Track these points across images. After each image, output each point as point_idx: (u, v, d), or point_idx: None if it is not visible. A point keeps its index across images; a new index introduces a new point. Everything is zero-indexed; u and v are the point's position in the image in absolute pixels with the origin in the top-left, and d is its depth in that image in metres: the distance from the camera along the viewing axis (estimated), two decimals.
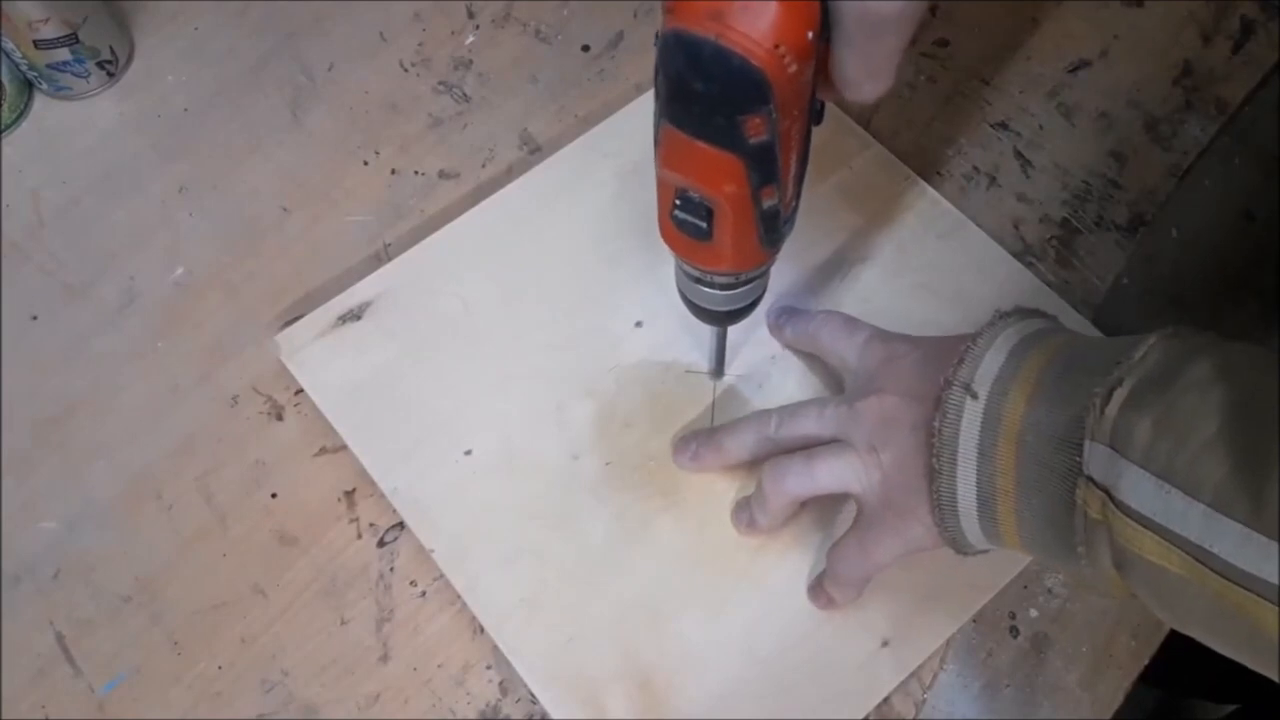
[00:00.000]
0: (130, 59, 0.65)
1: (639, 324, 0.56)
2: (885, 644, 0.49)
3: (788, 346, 0.55)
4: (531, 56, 0.65)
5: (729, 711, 0.48)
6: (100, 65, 0.63)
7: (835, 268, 0.57)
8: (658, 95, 0.37)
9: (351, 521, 0.53)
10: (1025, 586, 0.51)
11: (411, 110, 0.64)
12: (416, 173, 0.62)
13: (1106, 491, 0.37)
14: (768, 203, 0.39)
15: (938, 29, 0.66)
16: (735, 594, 0.50)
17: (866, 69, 0.37)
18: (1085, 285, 0.58)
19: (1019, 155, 0.62)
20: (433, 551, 0.51)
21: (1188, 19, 0.66)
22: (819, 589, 0.49)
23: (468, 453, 0.53)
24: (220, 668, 0.50)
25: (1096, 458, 0.37)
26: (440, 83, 0.65)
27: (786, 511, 0.49)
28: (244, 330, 0.57)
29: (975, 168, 0.62)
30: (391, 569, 0.52)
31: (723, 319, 0.48)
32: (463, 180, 0.61)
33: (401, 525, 0.52)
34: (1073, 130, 0.63)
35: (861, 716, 0.48)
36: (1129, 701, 0.50)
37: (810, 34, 0.35)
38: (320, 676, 0.50)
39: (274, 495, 0.53)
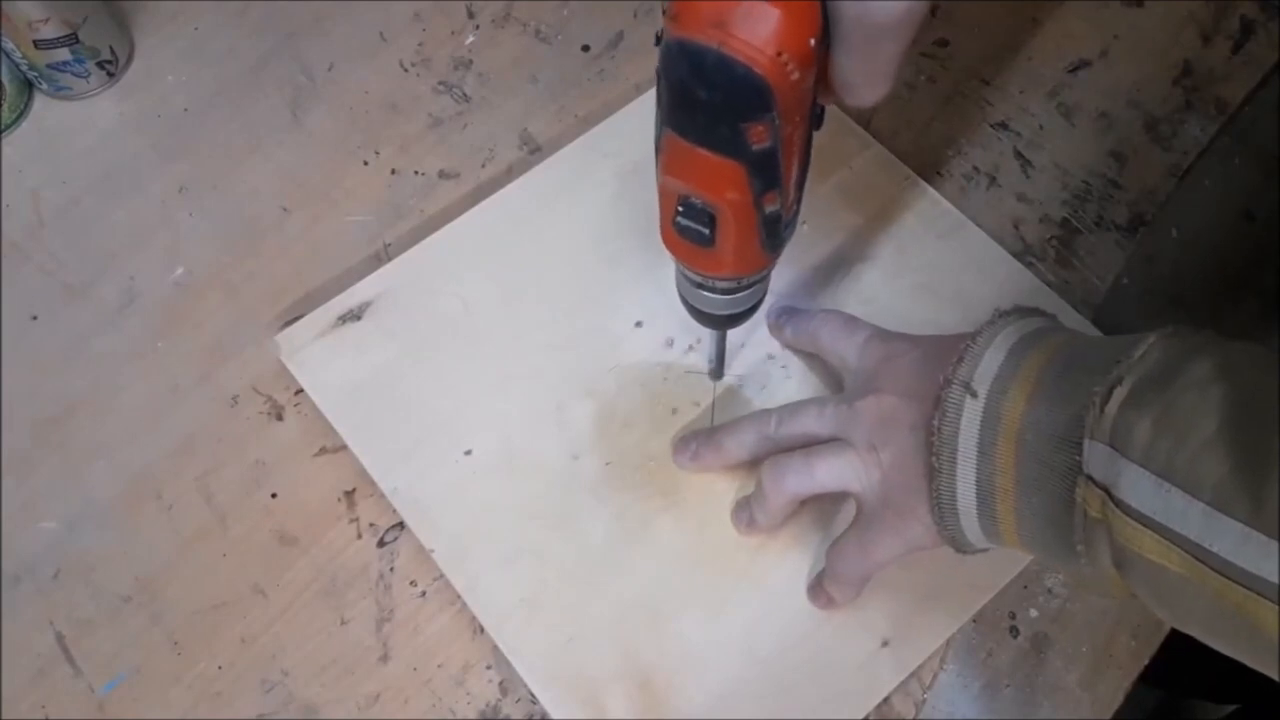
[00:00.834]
0: (130, 59, 0.65)
1: (639, 324, 0.56)
2: (885, 644, 0.49)
3: (788, 346, 0.55)
4: (531, 56, 0.65)
5: (729, 711, 0.48)
6: (100, 65, 0.63)
7: (835, 268, 0.57)
8: (660, 103, 0.37)
9: (351, 521, 0.53)
10: (1025, 586, 0.51)
11: (411, 110, 0.64)
12: (416, 173, 0.62)
13: (1106, 490, 0.37)
14: (770, 208, 0.39)
15: (938, 29, 0.66)
16: (735, 594, 0.50)
17: (866, 74, 0.38)
18: (1085, 285, 0.58)
19: (1019, 155, 0.62)
20: (433, 551, 0.51)
21: (1188, 19, 0.66)
22: (818, 588, 0.49)
23: (468, 453, 0.53)
24: (220, 668, 0.50)
25: (1096, 456, 0.37)
26: (440, 83, 0.65)
27: (786, 510, 0.49)
28: (244, 330, 0.57)
29: (975, 168, 0.62)
30: (391, 569, 0.52)
31: (723, 323, 0.48)
32: (463, 180, 0.61)
33: (401, 525, 0.52)
34: (1073, 130, 0.63)
35: (861, 716, 0.48)
36: (1129, 701, 0.50)
37: (812, 41, 0.35)
38: (320, 676, 0.50)
39: (274, 495, 0.53)
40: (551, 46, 0.66)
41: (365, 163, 0.62)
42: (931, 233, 0.58)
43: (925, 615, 0.50)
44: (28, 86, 0.63)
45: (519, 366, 0.55)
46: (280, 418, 0.55)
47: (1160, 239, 0.60)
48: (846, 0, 0.35)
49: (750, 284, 0.45)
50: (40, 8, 0.58)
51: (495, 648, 0.49)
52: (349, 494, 0.53)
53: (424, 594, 0.51)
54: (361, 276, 0.57)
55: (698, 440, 0.52)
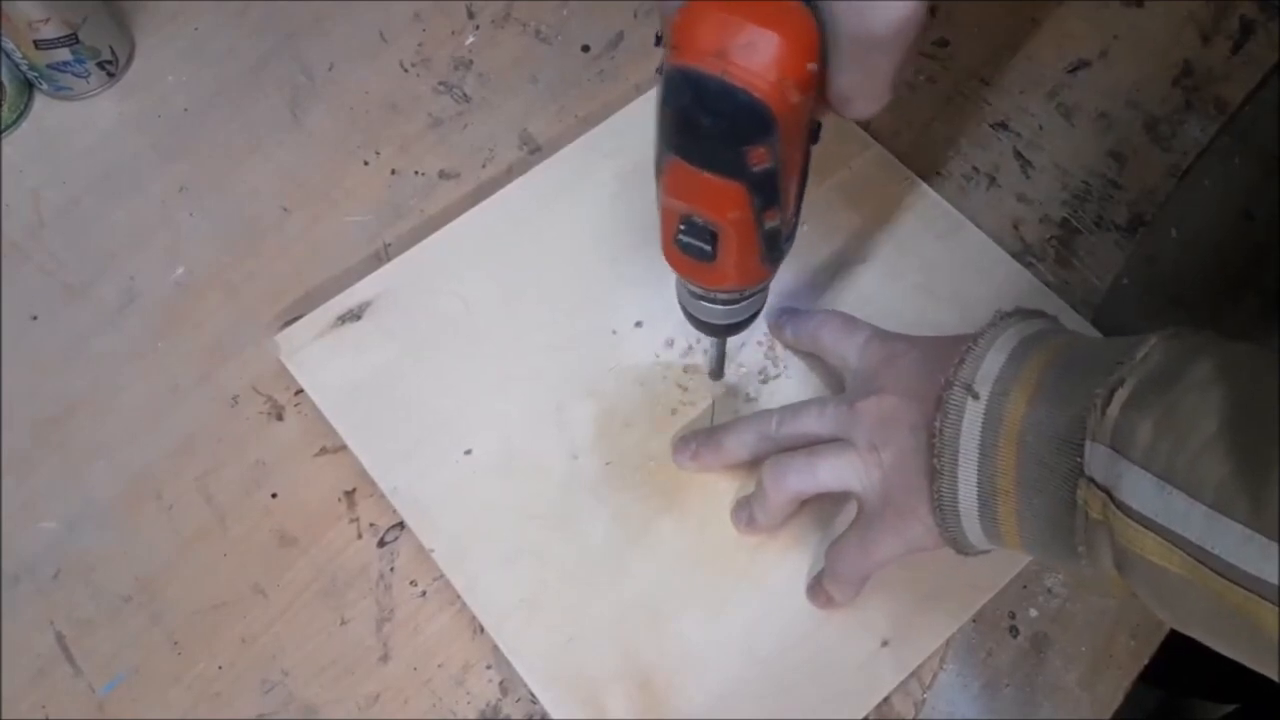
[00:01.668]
0: (130, 59, 0.65)
1: (639, 324, 0.56)
2: (885, 644, 0.49)
3: (788, 347, 0.55)
4: (531, 56, 0.65)
5: (729, 711, 0.48)
6: (100, 65, 0.63)
7: (835, 268, 0.57)
8: (661, 127, 0.38)
9: (351, 521, 0.53)
10: (1025, 586, 0.51)
11: (411, 110, 0.64)
12: (416, 173, 0.62)
13: (1107, 492, 0.37)
14: (770, 224, 0.40)
15: (938, 29, 0.66)
16: (735, 594, 0.50)
17: (863, 88, 0.38)
18: (1085, 285, 0.58)
19: (1019, 155, 0.62)
20: (433, 551, 0.51)
21: (1188, 19, 0.66)
22: (818, 588, 0.49)
23: (468, 452, 0.53)
24: (220, 668, 0.50)
25: (1097, 458, 0.37)
26: (440, 83, 0.65)
27: (786, 510, 0.49)
28: (244, 330, 0.57)
29: (975, 168, 0.62)
30: (391, 569, 0.52)
31: (724, 331, 0.49)
32: (463, 180, 0.61)
33: (401, 525, 0.52)
34: (1073, 130, 0.63)
35: (861, 716, 0.48)
36: (1129, 701, 0.50)
37: (811, 66, 0.35)
38: (320, 676, 0.50)
39: (274, 495, 0.53)
40: (551, 46, 0.66)
41: (365, 163, 0.62)
42: (931, 233, 0.58)
43: (925, 615, 0.50)
44: (28, 86, 0.63)
45: (519, 366, 0.55)
46: (280, 418, 0.55)
47: (1160, 239, 0.60)
48: (842, 10, 0.35)
49: (750, 295, 0.46)
50: (40, 8, 0.58)
51: (495, 648, 0.49)
52: (349, 494, 0.53)
53: (424, 594, 0.51)
54: (361, 276, 0.57)
55: (698, 440, 0.52)
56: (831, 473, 0.47)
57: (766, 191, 0.38)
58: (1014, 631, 0.51)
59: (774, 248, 0.41)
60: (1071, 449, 0.38)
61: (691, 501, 0.52)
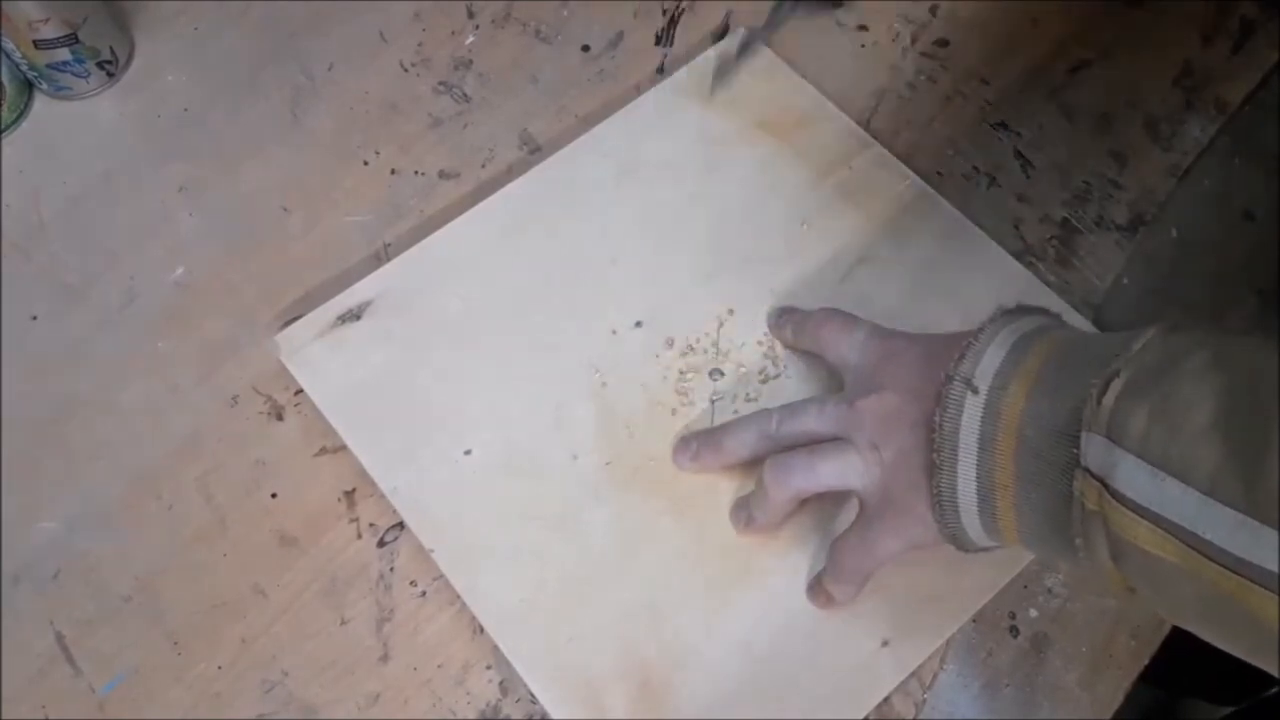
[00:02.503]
0: (130, 59, 0.65)
1: (639, 324, 0.56)
2: (885, 644, 0.49)
3: (789, 346, 0.55)
4: (531, 56, 0.65)
5: (729, 711, 0.48)
6: (100, 65, 0.63)
7: (835, 268, 0.57)
8: None
9: (351, 521, 0.53)
10: (1025, 586, 0.51)
11: (411, 110, 0.64)
12: (416, 173, 0.62)
13: (1102, 482, 0.37)
14: None
15: (938, 29, 0.66)
16: (735, 594, 0.50)
17: None
18: (1085, 285, 0.58)
19: (1019, 155, 0.62)
20: (433, 552, 0.51)
21: (1188, 19, 0.66)
22: (818, 587, 0.49)
23: (468, 453, 0.53)
24: (220, 668, 0.50)
25: (1093, 448, 0.37)
26: (440, 83, 0.65)
27: (786, 509, 0.49)
28: (244, 330, 0.57)
29: (975, 168, 0.62)
30: (391, 569, 0.52)
31: None
32: (463, 180, 0.62)
33: (401, 525, 0.52)
34: (1073, 130, 0.63)
35: (861, 716, 0.48)
36: (1129, 701, 0.50)
37: None
38: (320, 676, 0.50)
39: (274, 495, 0.53)
40: (551, 46, 0.66)
41: (365, 163, 0.62)
42: (931, 232, 0.58)
43: (925, 615, 0.50)
44: (28, 86, 0.63)
45: (519, 367, 0.55)
46: (280, 418, 0.55)
47: (1160, 239, 0.60)
48: None
49: None
50: (40, 8, 0.58)
51: (495, 648, 0.49)
52: (349, 494, 0.53)
53: (424, 594, 0.51)
54: (361, 276, 0.57)
55: (698, 440, 0.52)
56: (832, 471, 0.47)
57: None
58: (1014, 631, 0.51)
59: None
60: (1069, 441, 0.39)
61: (691, 501, 0.52)
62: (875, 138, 0.61)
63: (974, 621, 0.50)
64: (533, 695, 0.49)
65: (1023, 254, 0.59)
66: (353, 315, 0.56)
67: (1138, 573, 0.37)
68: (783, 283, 0.57)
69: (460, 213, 0.59)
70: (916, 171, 0.60)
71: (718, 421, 0.53)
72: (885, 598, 0.50)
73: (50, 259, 0.59)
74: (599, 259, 0.57)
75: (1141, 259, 0.59)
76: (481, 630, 0.50)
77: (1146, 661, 0.50)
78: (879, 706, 0.49)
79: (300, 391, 0.55)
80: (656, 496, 0.52)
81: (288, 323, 0.56)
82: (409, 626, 0.51)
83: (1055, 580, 0.52)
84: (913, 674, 0.49)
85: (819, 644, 0.49)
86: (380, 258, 0.59)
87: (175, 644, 0.50)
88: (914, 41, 0.65)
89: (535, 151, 0.62)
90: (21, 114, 0.63)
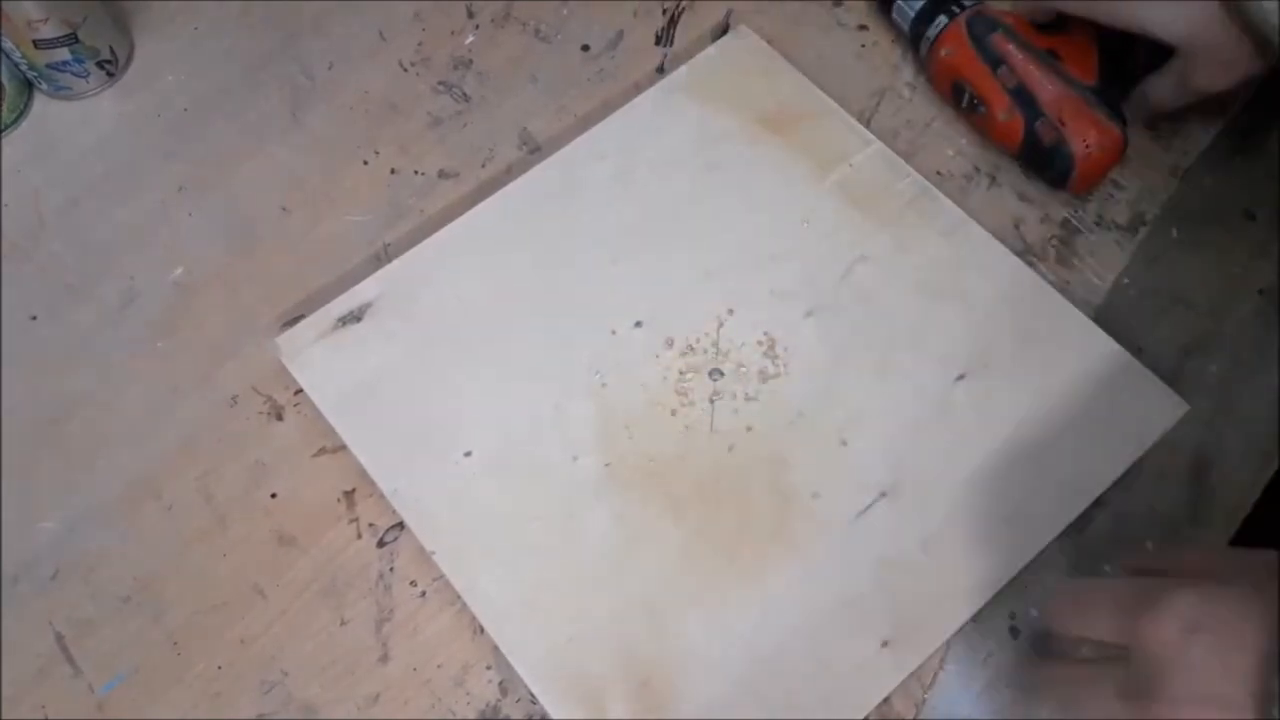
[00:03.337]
0: (130, 59, 0.65)
1: (639, 324, 0.56)
2: (885, 644, 0.49)
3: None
4: (531, 56, 0.65)
5: (729, 711, 0.48)
6: (100, 65, 0.63)
7: (836, 266, 0.57)
8: None
9: (351, 521, 0.53)
10: (1025, 587, 0.51)
11: (411, 110, 0.64)
12: (416, 173, 0.62)
13: None
14: None
15: None
16: (735, 594, 0.50)
17: None
18: (1086, 285, 0.58)
19: None
20: (433, 554, 0.51)
21: None
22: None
23: (468, 454, 0.53)
24: (220, 668, 0.50)
25: None
26: (440, 82, 0.65)
27: None
28: (244, 330, 0.57)
29: (976, 167, 0.62)
30: (391, 569, 0.52)
31: None
32: (463, 180, 0.61)
33: (401, 525, 0.52)
34: None
35: (861, 717, 0.48)
36: None
37: None
38: (320, 676, 0.50)
39: (274, 495, 0.53)
40: (551, 46, 0.66)
41: (365, 163, 0.62)
42: (932, 231, 0.58)
43: (925, 615, 0.50)
44: (28, 86, 0.63)
45: (519, 367, 0.55)
46: (280, 418, 0.55)
47: (1160, 239, 0.60)
48: None
49: None
50: (40, 8, 0.58)
51: (495, 648, 0.49)
52: (349, 494, 0.53)
53: (424, 594, 0.51)
54: (361, 277, 0.57)
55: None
56: None
57: None
58: (1014, 632, 0.51)
59: None
60: None
61: (691, 502, 0.52)
62: (876, 136, 0.61)
63: (974, 621, 0.50)
64: (533, 695, 0.49)
65: (1023, 254, 0.58)
66: (353, 317, 0.56)
67: None
68: (783, 282, 0.57)
69: (460, 213, 0.59)
70: (918, 169, 0.60)
71: (717, 421, 0.53)
72: (885, 598, 0.49)
73: (50, 259, 0.59)
74: (599, 259, 0.57)
75: (1142, 259, 0.59)
76: (481, 630, 0.50)
77: None
78: (879, 706, 0.48)
79: (300, 391, 0.55)
80: (656, 497, 0.52)
81: (288, 323, 0.56)
82: (409, 627, 0.51)
83: (1055, 580, 0.51)
84: (913, 674, 0.49)
85: (819, 644, 0.49)
86: (380, 258, 0.59)
87: (175, 644, 0.50)
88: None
89: (535, 151, 0.62)
90: (21, 114, 0.63)
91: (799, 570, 0.50)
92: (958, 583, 0.50)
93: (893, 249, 0.58)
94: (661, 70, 0.64)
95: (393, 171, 0.62)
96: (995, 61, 0.59)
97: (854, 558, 0.51)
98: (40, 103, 0.64)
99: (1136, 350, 0.55)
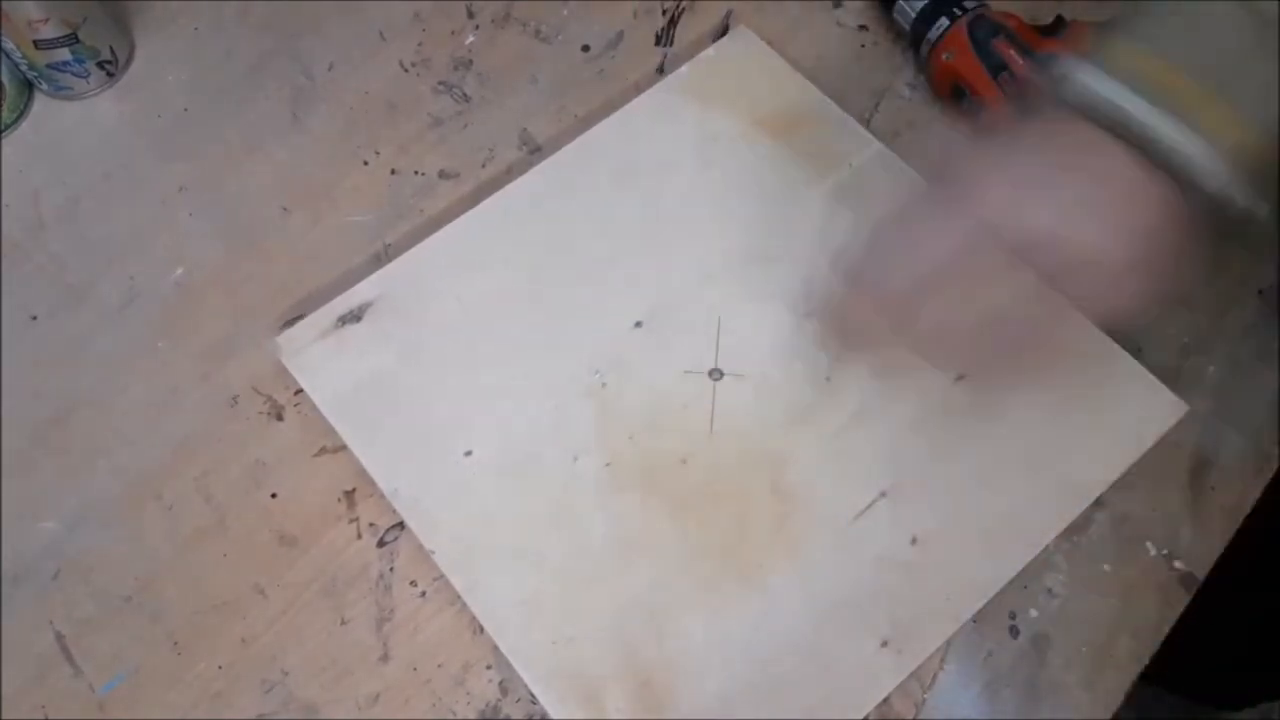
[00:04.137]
0: (130, 59, 0.65)
1: (639, 324, 0.56)
2: (885, 644, 0.49)
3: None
4: (531, 56, 0.65)
5: (729, 711, 0.48)
6: (100, 65, 0.63)
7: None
8: None
9: (351, 521, 0.53)
10: (1025, 586, 0.51)
11: (411, 110, 0.64)
12: (416, 173, 0.62)
13: None
14: None
15: None
16: (735, 594, 0.50)
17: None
18: None
19: None
20: (433, 553, 0.51)
21: None
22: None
23: (468, 453, 0.53)
24: (220, 668, 0.50)
25: None
26: (440, 83, 0.65)
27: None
28: (244, 330, 0.57)
29: None
30: (391, 569, 0.52)
31: None
32: (462, 180, 0.61)
33: (401, 525, 0.52)
34: None
35: (861, 717, 0.48)
36: (1129, 701, 0.50)
37: None
38: (320, 676, 0.50)
39: (274, 495, 0.53)
40: (551, 46, 0.66)
41: (365, 163, 0.62)
42: None
43: (925, 615, 0.50)
44: (28, 86, 0.63)
45: (519, 367, 0.55)
46: (280, 418, 0.55)
47: None
48: None
49: None
50: (40, 8, 0.58)
51: (495, 648, 0.49)
52: (349, 494, 0.53)
53: (424, 594, 0.51)
54: (362, 276, 0.57)
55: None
56: None
57: None
58: (1014, 632, 0.51)
59: None
60: None
61: (691, 502, 0.52)
62: (876, 137, 0.61)
63: (974, 621, 0.50)
64: (533, 695, 0.49)
65: None
66: (353, 316, 0.56)
67: None
68: (781, 281, 0.57)
69: (460, 213, 0.59)
70: (916, 172, 0.60)
71: (718, 423, 0.53)
72: (885, 598, 0.50)
73: (50, 259, 0.59)
74: (599, 259, 0.57)
75: None
76: (481, 630, 0.50)
77: (1146, 661, 0.50)
78: (879, 706, 0.49)
79: (300, 391, 0.55)
80: (656, 497, 0.52)
81: (288, 323, 0.56)
82: (409, 626, 0.51)
83: (1055, 580, 0.52)
84: (913, 674, 0.49)
85: (818, 645, 0.49)
86: (381, 258, 0.59)
87: (175, 644, 0.50)
88: None
89: (535, 151, 0.62)
90: (21, 114, 0.63)
91: (798, 570, 0.50)
92: (958, 583, 0.50)
93: None
94: (661, 71, 0.64)
95: (393, 172, 0.62)
96: (997, 67, 0.59)
97: (853, 558, 0.50)
98: (40, 103, 0.64)
99: (1136, 350, 0.55)
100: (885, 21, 0.65)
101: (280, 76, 0.65)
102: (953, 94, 0.61)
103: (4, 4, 0.57)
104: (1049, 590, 0.51)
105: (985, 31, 0.59)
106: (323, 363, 0.55)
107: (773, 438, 0.53)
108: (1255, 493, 0.54)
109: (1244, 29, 0.40)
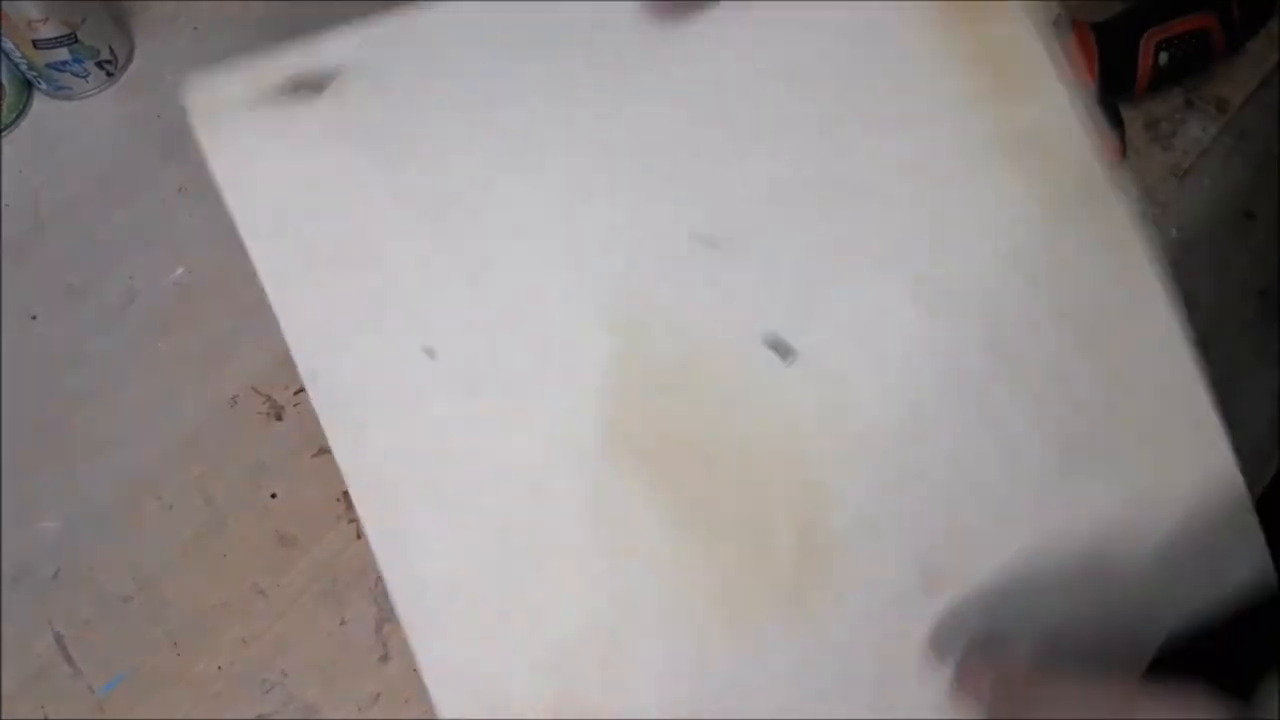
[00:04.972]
0: (130, 59, 0.65)
1: (707, 241, 0.38)
2: None
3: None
4: None
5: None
6: (100, 65, 0.63)
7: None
8: None
9: (351, 522, 0.53)
10: None
11: None
12: None
13: None
14: None
15: None
16: (719, 643, 0.42)
17: None
18: None
19: None
20: (349, 476, 0.38)
21: None
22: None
23: (429, 351, 0.37)
24: (220, 668, 0.50)
25: None
26: None
27: None
28: (244, 330, 0.57)
29: None
30: None
31: None
32: None
33: None
34: None
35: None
36: None
37: None
38: (320, 676, 0.50)
39: (274, 495, 0.53)
40: None
41: None
42: None
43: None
44: (27, 86, 0.63)
45: (524, 253, 0.37)
46: (280, 418, 0.55)
47: (1160, 239, 0.60)
48: None
49: None
50: (40, 8, 0.58)
51: None
52: (349, 494, 0.53)
53: None
54: None
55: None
56: None
57: None
58: None
59: None
60: None
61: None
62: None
63: None
64: None
65: None
66: (311, 85, 0.39)
67: None
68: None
69: None
70: None
71: (768, 418, 0.39)
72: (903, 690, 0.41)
73: (50, 259, 0.59)
74: (673, 145, 0.38)
75: None
76: None
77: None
78: None
79: (300, 391, 0.55)
80: (656, 486, 0.39)
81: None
82: None
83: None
84: None
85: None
86: None
87: (175, 644, 0.50)
88: None
89: None
90: (21, 114, 0.63)
91: (805, 642, 0.38)
92: None
93: None
94: None
95: None
96: None
97: (880, 651, 0.38)
98: (40, 103, 0.64)
99: None
100: None
101: None
102: None
103: (3, 4, 0.57)
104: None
105: None
106: (248, 139, 0.38)
107: (825, 465, 0.38)
108: (1255, 493, 0.54)
109: None
